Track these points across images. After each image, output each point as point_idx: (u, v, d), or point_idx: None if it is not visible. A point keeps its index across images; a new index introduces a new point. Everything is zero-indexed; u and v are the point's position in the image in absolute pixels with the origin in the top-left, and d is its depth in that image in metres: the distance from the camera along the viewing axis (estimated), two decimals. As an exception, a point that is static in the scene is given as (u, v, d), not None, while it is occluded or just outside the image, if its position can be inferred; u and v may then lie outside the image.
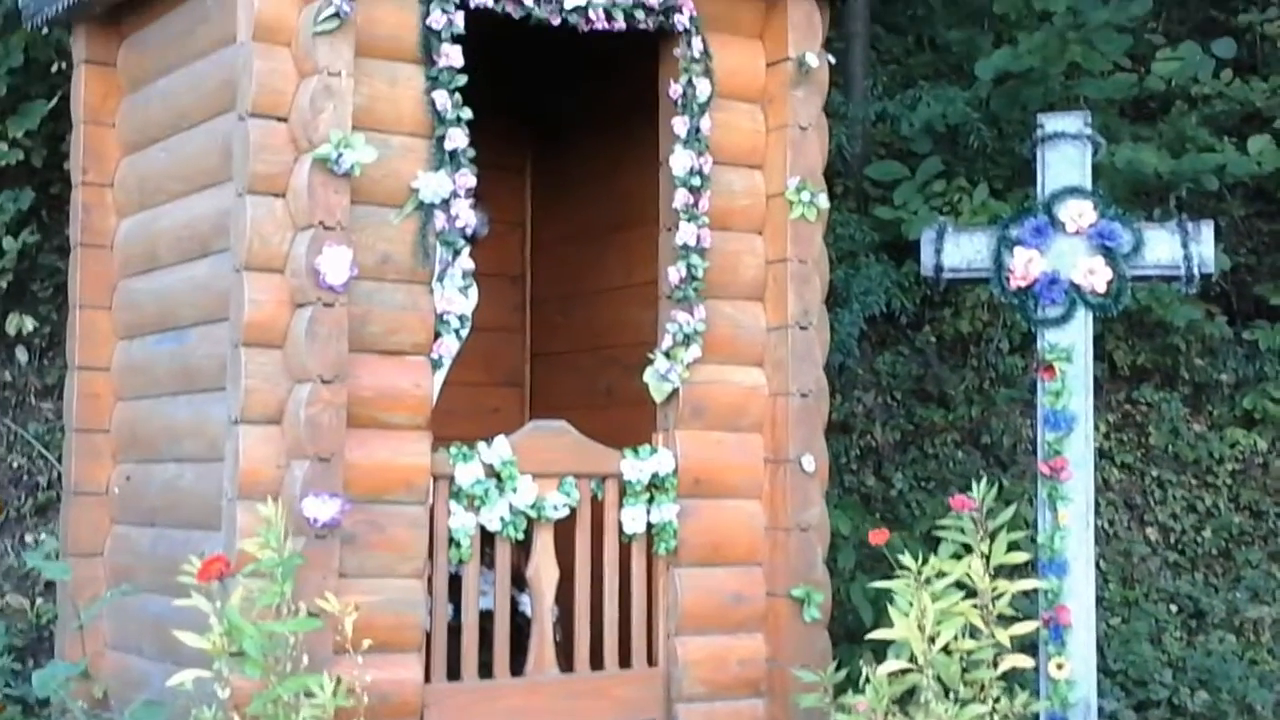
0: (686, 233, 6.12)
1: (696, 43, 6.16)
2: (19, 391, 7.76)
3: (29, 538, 7.45)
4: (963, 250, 6.95)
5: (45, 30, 7.18)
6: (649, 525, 6.09)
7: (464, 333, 5.76)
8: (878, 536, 6.03)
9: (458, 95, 5.70)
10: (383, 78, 5.63)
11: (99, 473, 6.57)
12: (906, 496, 9.33)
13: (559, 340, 7.47)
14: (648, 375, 6.14)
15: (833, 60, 6.39)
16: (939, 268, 6.99)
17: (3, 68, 7.86)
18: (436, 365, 5.71)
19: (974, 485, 6.02)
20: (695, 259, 6.13)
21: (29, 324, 7.69)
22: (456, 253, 5.70)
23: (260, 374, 5.41)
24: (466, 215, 5.71)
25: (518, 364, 7.64)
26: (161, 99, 6.30)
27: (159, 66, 6.33)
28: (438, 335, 5.70)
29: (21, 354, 7.77)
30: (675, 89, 6.18)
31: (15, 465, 7.61)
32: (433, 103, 5.68)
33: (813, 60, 6.24)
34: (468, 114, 5.71)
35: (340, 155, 5.37)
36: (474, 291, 5.88)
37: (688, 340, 6.13)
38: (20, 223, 7.74)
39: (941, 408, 9.66)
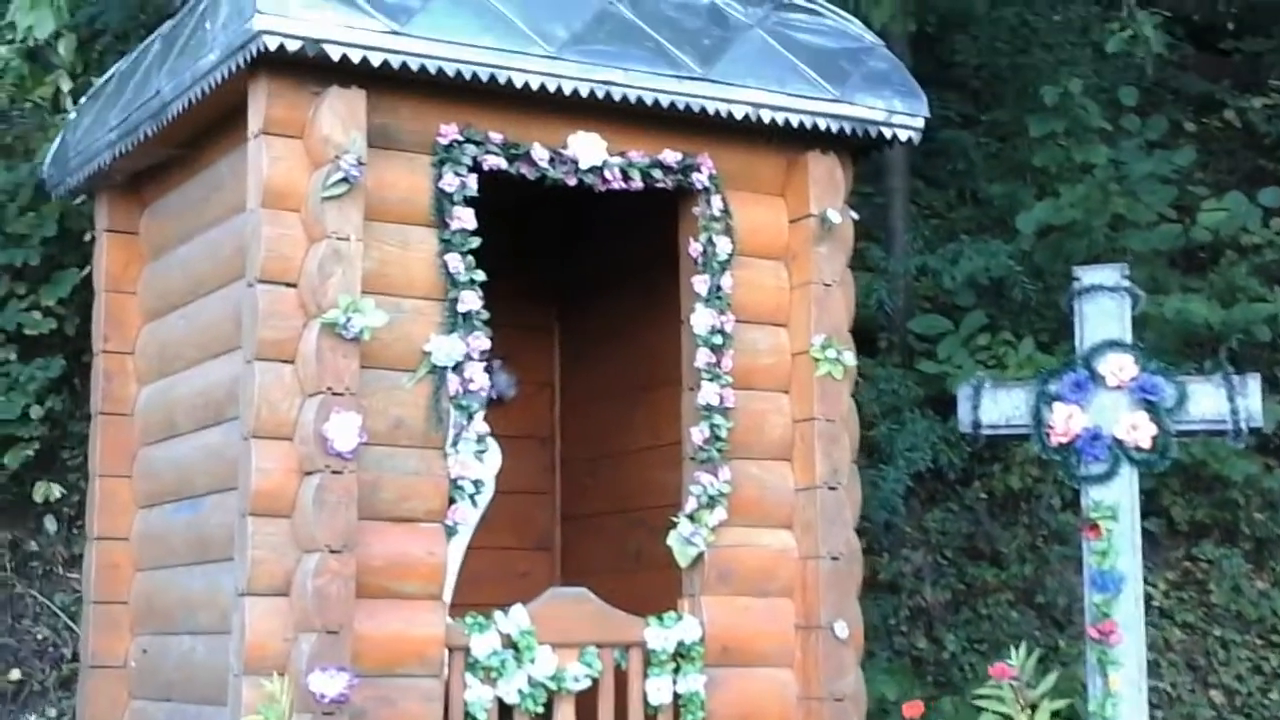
0: (709, 392, 5.99)
1: (716, 201, 6.07)
2: (46, 561, 7.67)
3: (52, 711, 7.31)
4: (1001, 406, 6.80)
5: (79, 200, 7.19)
6: (675, 696, 5.88)
7: (480, 498, 5.63)
8: (912, 709, 5.80)
9: (471, 258, 5.62)
10: (394, 241, 5.56)
11: (117, 645, 6.46)
12: (959, 659, 9.06)
13: (589, 502, 7.32)
14: (672, 539, 5.97)
15: (855, 216, 6.28)
16: (977, 424, 6.83)
17: (36, 237, 7.89)
18: (451, 532, 5.57)
19: (1013, 651, 5.80)
20: (719, 419, 5.99)
21: (56, 491, 7.62)
22: (471, 416, 5.58)
23: (267, 544, 5.29)
24: (480, 378, 5.60)
25: (547, 527, 7.48)
26: (180, 266, 6.27)
27: (179, 234, 6.31)
28: (452, 501, 5.57)
29: (50, 523, 7.69)
30: (695, 247, 6.08)
31: (40, 637, 7.50)
32: (445, 266, 5.60)
33: (835, 216, 6.13)
34: (481, 276, 5.63)
35: (349, 320, 5.29)
36: (491, 456, 5.76)
37: (712, 502, 5.97)
38: (50, 390, 7.70)
39: (994, 566, 9.41)
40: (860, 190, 10.19)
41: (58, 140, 7.00)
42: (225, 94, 5.58)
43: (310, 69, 5.40)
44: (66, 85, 7.76)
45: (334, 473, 5.26)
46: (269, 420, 5.33)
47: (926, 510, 9.58)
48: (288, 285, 5.40)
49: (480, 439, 5.60)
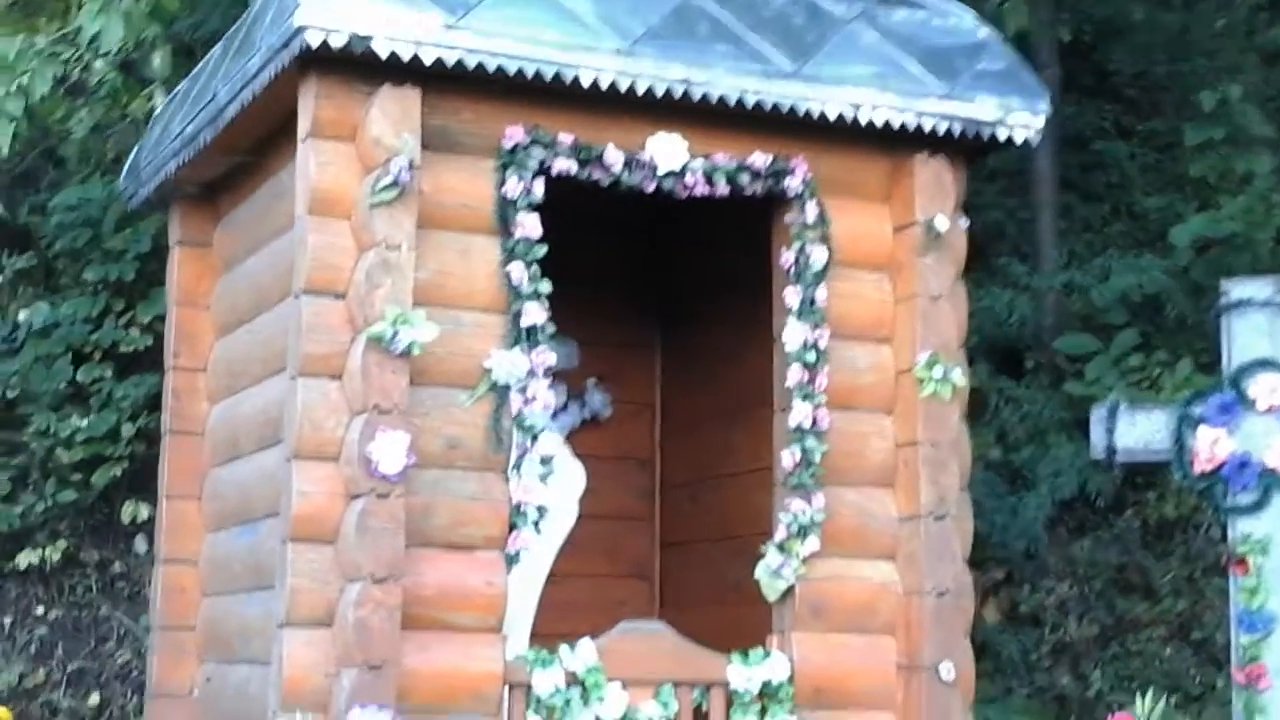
0: (801, 413, 5.52)
1: (811, 207, 5.61)
2: (133, 583, 7.47)
3: (130, 737, 7.10)
4: (1139, 430, 6.32)
5: (153, 212, 6.97)
6: (762, 742, 5.42)
7: (546, 524, 5.24)
8: None
9: (536, 268, 5.23)
10: (453, 250, 5.20)
11: (184, 673, 6.19)
12: (1107, 698, 8.48)
13: (689, 528, 6.88)
14: (759, 571, 5.52)
15: (967, 223, 5.76)
16: (1111, 449, 6.34)
17: (132, 253, 7.70)
18: (512, 561, 5.18)
19: (1139, 701, 5.27)
20: (811, 442, 5.52)
21: (145, 512, 7.40)
22: (535, 437, 5.19)
23: (308, 571, 4.95)
24: (545, 396, 5.20)
25: (645, 554, 7.05)
26: (247, 279, 5.99)
27: (247, 245, 6.03)
28: (513, 527, 5.16)
29: (139, 544, 7.48)
30: (787, 257, 5.62)
31: (122, 661, 7.30)
32: (508, 276, 5.21)
33: (943, 223, 5.62)
34: (546, 287, 5.23)
35: (396, 333, 4.92)
36: (574, 478, 5.41)
37: (804, 531, 5.50)
38: (144, 408, 7.49)
39: (1146, 599, 8.81)
40: (1005, 203, 9.69)
41: (133, 152, 6.76)
42: (280, 97, 5.27)
43: (361, 68, 5.06)
44: (161, 99, 7.54)
45: (379, 496, 4.90)
46: (312, 440, 5.00)
47: (1073, 539, 8.99)
48: (336, 297, 5.06)
49: (545, 461, 5.20)
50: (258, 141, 5.77)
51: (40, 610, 7.41)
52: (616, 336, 7.03)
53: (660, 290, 7.10)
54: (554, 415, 6.66)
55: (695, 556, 6.89)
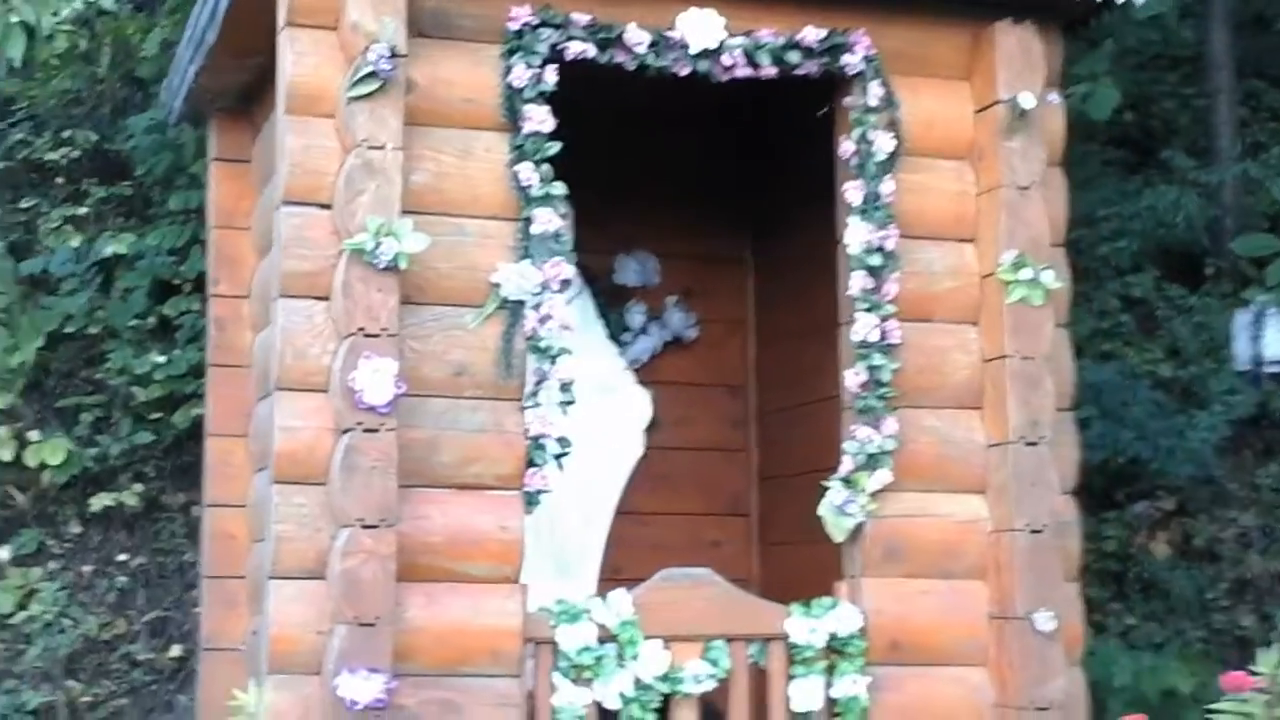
0: (865, 326, 4.82)
1: (874, 88, 4.88)
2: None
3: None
4: (1295, 337, 5.44)
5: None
6: (830, 701, 4.75)
7: (567, 459, 4.62)
8: (1234, 681, 4.45)
9: (547, 167, 4.60)
10: (453, 150, 4.61)
11: (235, 625, 5.69)
12: (1296, 640, 7.53)
13: (789, 459, 6.17)
14: (823, 508, 4.85)
15: (1056, 99, 4.98)
16: (1258, 360, 5.51)
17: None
18: (531, 501, 4.58)
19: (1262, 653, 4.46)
20: (878, 358, 4.81)
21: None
22: (553, 360, 4.57)
23: (295, 517, 4.42)
24: (561, 314, 4.57)
25: (741, 489, 6.37)
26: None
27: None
28: (531, 464, 4.56)
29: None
30: (847, 146, 4.90)
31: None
32: (516, 177, 4.59)
33: (1027, 100, 4.83)
34: (561, 189, 4.60)
35: (379, 245, 4.35)
36: (637, 405, 4.82)
37: (873, 462, 4.81)
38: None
39: (1342, 529, 7.86)
40: (1180, 92, 8.73)
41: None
42: (272, -15, 4.71)
43: (344, -55, 4.48)
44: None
45: (367, 431, 4.34)
46: (295, 369, 4.46)
47: (1259, 464, 8.05)
48: (320, 206, 4.50)
49: (565, 388, 4.58)
50: (269, 41, 5.21)
51: (123, 557, 7.05)
52: (703, 249, 6.36)
53: (751, 197, 6.39)
54: (632, 337, 6.10)
55: (796, 490, 6.16)
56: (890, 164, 4.87)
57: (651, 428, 6.16)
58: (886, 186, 4.85)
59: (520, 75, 4.61)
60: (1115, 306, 8.31)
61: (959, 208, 4.96)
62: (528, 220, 4.59)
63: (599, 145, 5.92)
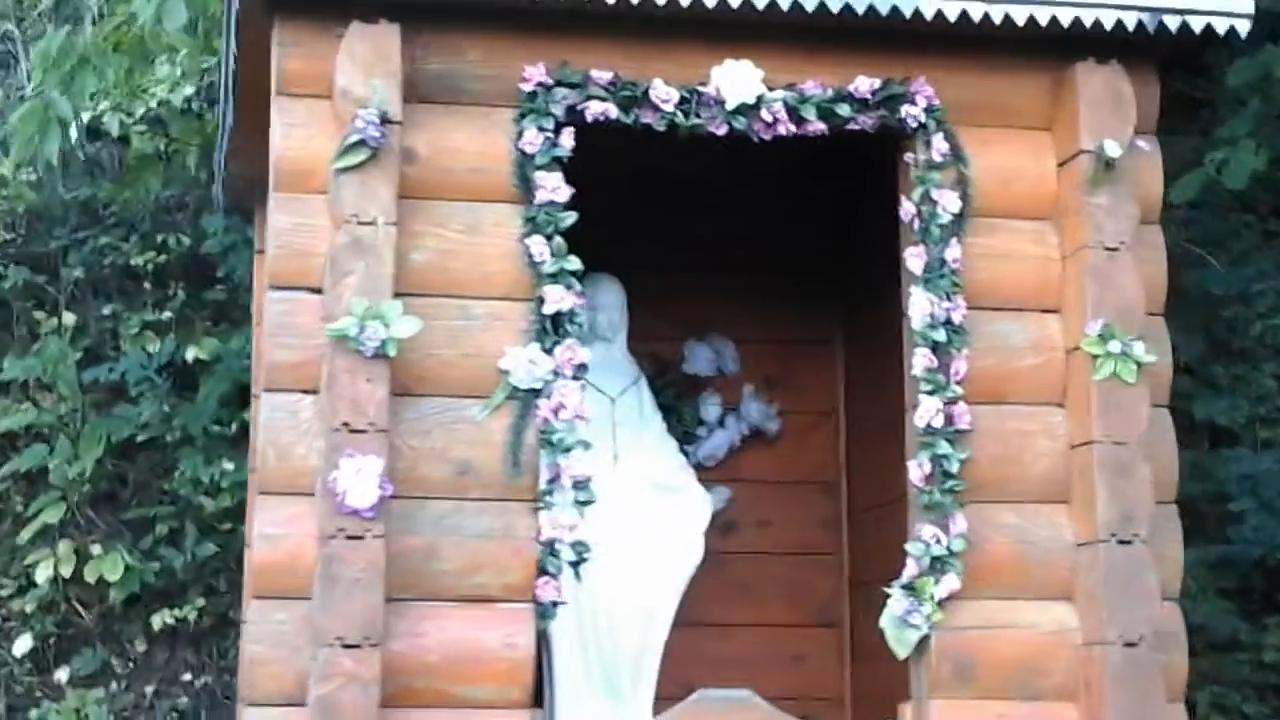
0: (929, 410, 4.23)
1: (938, 141, 4.33)
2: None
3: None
4: None
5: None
6: (894, 844, 4.15)
7: (585, 566, 4.10)
8: None
9: (560, 240, 4.12)
10: (459, 224, 4.16)
11: None
12: None
13: (885, 564, 5.49)
14: (884, 619, 4.25)
15: (1146, 147, 4.37)
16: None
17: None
18: (544, 615, 4.06)
19: None
20: (945, 447, 4.22)
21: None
22: (566, 452, 4.06)
23: (273, 637, 3.97)
24: (573, 402, 4.07)
25: (831, 597, 5.75)
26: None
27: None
28: (544, 572, 4.05)
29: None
30: (908, 208, 4.35)
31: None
32: (528, 252, 4.12)
33: (1113, 149, 4.24)
34: (575, 264, 4.12)
35: (364, 330, 3.89)
36: (697, 506, 4.34)
37: (941, 565, 4.21)
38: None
39: None
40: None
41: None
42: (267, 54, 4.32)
43: (336, 6, 4.08)
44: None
45: (350, 538, 3.87)
46: (279, 471, 4.03)
47: None
48: (310, 290, 4.07)
49: (581, 484, 4.07)
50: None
51: (188, 676, 6.65)
52: (786, 332, 5.80)
53: (840, 271, 5.81)
54: (708, 432, 5.58)
55: (890, 598, 5.58)
56: (957, 226, 4.31)
57: (730, 531, 5.64)
58: (952, 252, 4.29)
59: (532, 140, 4.15)
60: (1273, 389, 7.57)
61: (1040, 274, 4.38)
62: (540, 300, 4.11)
63: (659, 221, 5.48)
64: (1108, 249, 4.28)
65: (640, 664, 4.88)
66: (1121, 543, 4.17)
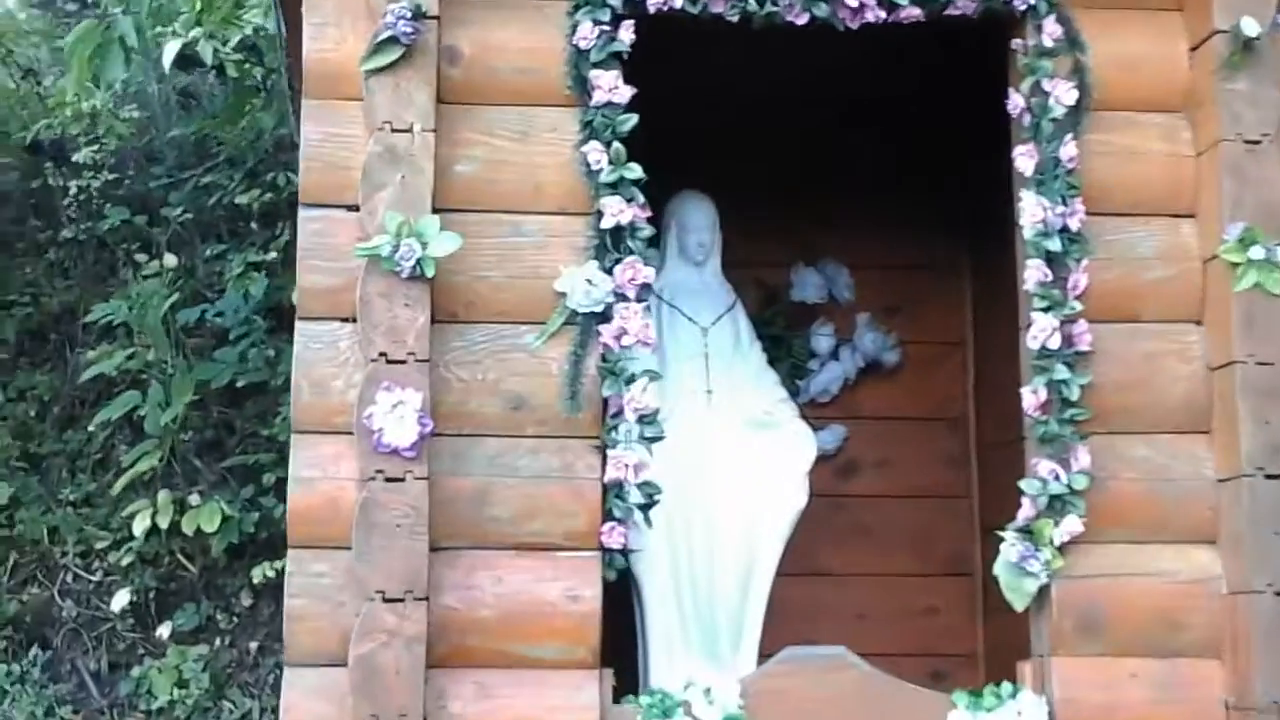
0: (1044, 329, 3.73)
1: (1050, 25, 3.81)
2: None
3: None
4: None
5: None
6: (1013, 819, 3.68)
7: (655, 509, 3.68)
8: None
9: (620, 147, 3.68)
10: (509, 131, 3.75)
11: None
12: None
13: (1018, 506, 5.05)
14: (999, 567, 3.78)
15: (1296, 24, 3.81)
16: None
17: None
18: (611, 564, 3.65)
19: None
20: (1063, 371, 3.72)
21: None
22: (629, 383, 3.64)
23: (313, 590, 3.60)
24: (638, 327, 3.64)
25: (964, 543, 5.23)
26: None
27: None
28: (610, 517, 3.64)
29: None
30: (1017, 101, 3.84)
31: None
32: (584, 160, 3.69)
33: (1252, 27, 3.70)
34: (637, 172, 3.68)
35: (398, 248, 3.50)
36: (802, 443, 3.99)
37: (1061, 506, 3.72)
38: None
39: None
40: None
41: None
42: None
43: (373, -110, 3.70)
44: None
45: (389, 480, 3.49)
46: (315, 408, 3.65)
47: None
48: (346, 208, 3.69)
49: (647, 418, 3.64)
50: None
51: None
52: (907, 256, 5.29)
53: (967, 187, 5.27)
54: (819, 365, 5.13)
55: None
56: (1073, 121, 3.80)
57: (849, 472, 5.20)
58: (1068, 150, 3.77)
59: (587, 34, 3.72)
60: None
61: (1171, 174, 3.85)
62: (599, 214, 3.68)
63: (769, 138, 5.01)
64: (1248, 142, 3.76)
65: (741, 620, 4.45)
66: (1269, 477, 3.65)
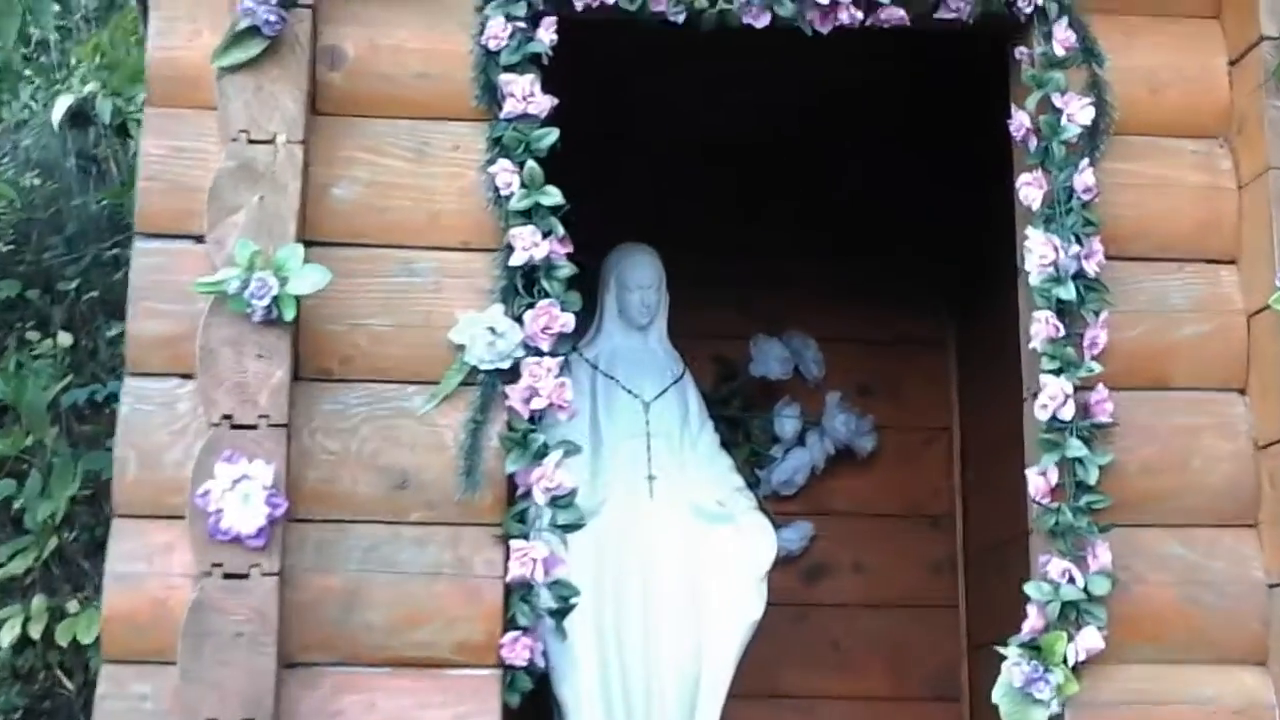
0: (1054, 396, 3.04)
1: (1062, 32, 3.16)
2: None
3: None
4: None
5: None
6: None
7: (568, 617, 2.97)
8: None
9: (536, 167, 3.00)
10: (401, 148, 3.08)
11: None
12: None
13: (1014, 619, 4.35)
14: (997, 690, 3.08)
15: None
16: None
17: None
18: (514, 685, 2.92)
19: None
20: (1078, 448, 3.04)
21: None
22: (540, 458, 2.93)
23: (131, 715, 2.87)
24: (551, 388, 2.94)
25: (949, 661, 4.56)
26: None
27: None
28: (513, 625, 2.91)
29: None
30: (1020, 120, 3.18)
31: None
32: (492, 183, 3.01)
33: (1297, 36, 3.06)
34: (557, 198, 2.99)
35: (248, 285, 2.79)
36: (747, 542, 3.34)
37: (1077, 616, 3.02)
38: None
39: None
40: None
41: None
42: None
43: None
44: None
45: (228, 577, 2.76)
46: (144, 485, 2.95)
47: None
48: (193, 239, 2.99)
49: (562, 501, 2.93)
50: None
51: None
52: (884, 330, 4.64)
53: (953, 251, 4.62)
54: (783, 452, 4.47)
55: (1019, 662, 4.36)
56: (1091, 146, 3.14)
57: (816, 576, 4.54)
58: (1083, 179, 3.11)
59: (498, 33, 3.05)
60: None
61: (1208, 209, 3.22)
62: (507, 248, 2.99)
63: (729, 192, 4.39)
64: (1297, 172, 3.09)
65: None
66: (1329, 582, 2.96)
